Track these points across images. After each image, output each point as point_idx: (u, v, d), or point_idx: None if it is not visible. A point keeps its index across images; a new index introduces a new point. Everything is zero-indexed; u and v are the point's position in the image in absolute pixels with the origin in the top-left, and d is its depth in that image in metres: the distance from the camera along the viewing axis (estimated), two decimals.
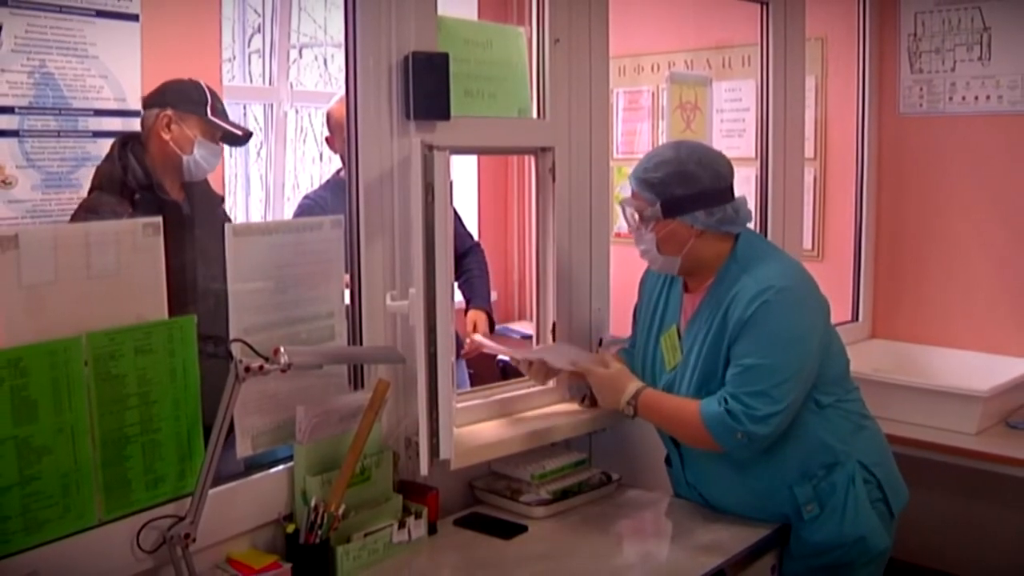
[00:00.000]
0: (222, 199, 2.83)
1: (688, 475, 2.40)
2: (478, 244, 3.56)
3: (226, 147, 2.69)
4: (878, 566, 2.32)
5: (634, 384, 2.29)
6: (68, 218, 3.09)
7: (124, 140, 2.56)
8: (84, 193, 3.10)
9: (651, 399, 2.27)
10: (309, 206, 3.18)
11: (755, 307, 2.14)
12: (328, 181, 3.27)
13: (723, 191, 2.25)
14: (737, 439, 2.13)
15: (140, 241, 1.82)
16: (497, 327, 4.38)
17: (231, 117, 2.71)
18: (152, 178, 2.48)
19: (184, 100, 2.55)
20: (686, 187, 2.21)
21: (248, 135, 2.75)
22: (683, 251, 2.25)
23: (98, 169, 2.58)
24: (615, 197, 4.20)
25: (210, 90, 2.59)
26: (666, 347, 2.36)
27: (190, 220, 2.52)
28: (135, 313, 1.80)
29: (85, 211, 2.48)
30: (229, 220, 2.82)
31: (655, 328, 2.41)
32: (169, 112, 2.51)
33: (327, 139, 3.19)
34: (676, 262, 2.28)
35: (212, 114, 2.54)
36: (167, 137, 2.50)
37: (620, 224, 4.21)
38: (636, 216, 2.28)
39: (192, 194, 2.59)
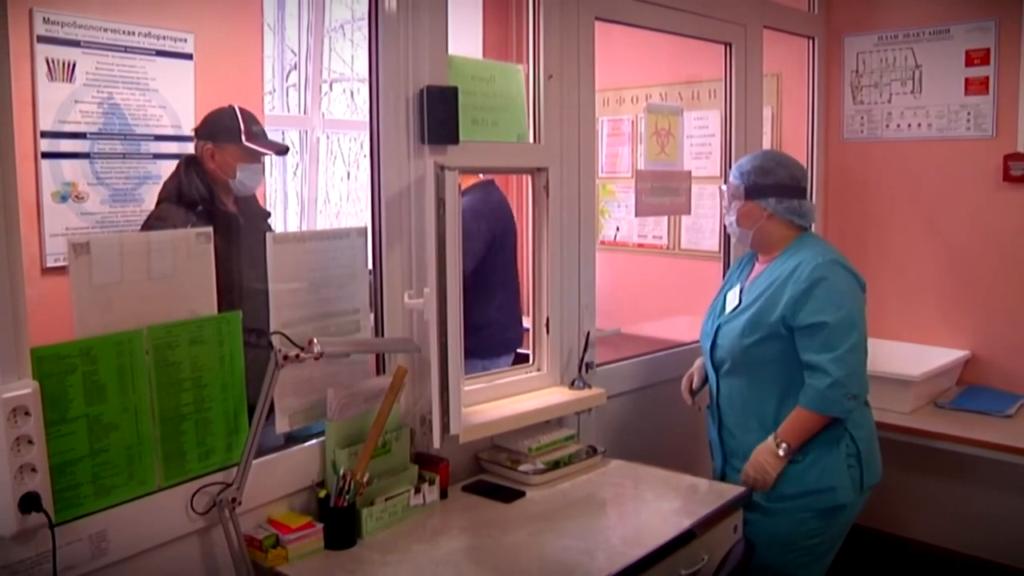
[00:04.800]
0: (268, 214, 2.80)
1: (721, 399, 2.53)
2: None
3: (269, 167, 2.64)
4: (839, 524, 2.39)
5: (770, 438, 2.35)
6: (132, 228, 3.10)
7: (188, 160, 2.52)
8: (146, 207, 3.12)
9: (786, 433, 2.33)
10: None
11: (817, 273, 2.30)
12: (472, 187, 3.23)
13: (793, 188, 2.45)
14: (847, 403, 2.27)
15: (193, 248, 1.82)
16: None
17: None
18: (211, 192, 2.45)
19: (221, 131, 2.48)
20: (764, 178, 2.44)
21: (285, 149, 2.69)
22: (755, 227, 2.45)
23: (165, 184, 2.54)
24: (601, 211, 4.21)
25: (244, 115, 2.51)
26: (729, 298, 2.53)
27: (241, 229, 2.50)
28: (189, 309, 1.81)
29: (155, 219, 2.45)
30: (272, 231, 2.80)
31: (726, 287, 2.61)
32: (210, 145, 2.47)
33: None
34: (749, 235, 2.48)
35: (247, 139, 2.47)
36: (212, 166, 2.47)
37: (604, 233, 4.22)
38: (728, 194, 2.51)
39: (243, 207, 2.56)
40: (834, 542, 2.42)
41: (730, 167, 3.23)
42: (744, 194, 2.45)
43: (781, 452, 2.32)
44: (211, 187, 2.47)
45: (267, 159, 2.63)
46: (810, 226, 2.50)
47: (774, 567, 2.36)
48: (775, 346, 2.36)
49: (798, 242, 2.45)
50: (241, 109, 2.52)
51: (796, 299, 2.30)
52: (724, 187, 2.56)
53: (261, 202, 2.94)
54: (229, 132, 2.47)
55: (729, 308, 2.51)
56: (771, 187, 2.43)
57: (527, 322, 2.82)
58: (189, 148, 3.23)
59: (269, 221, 2.77)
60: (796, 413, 2.32)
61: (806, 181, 2.51)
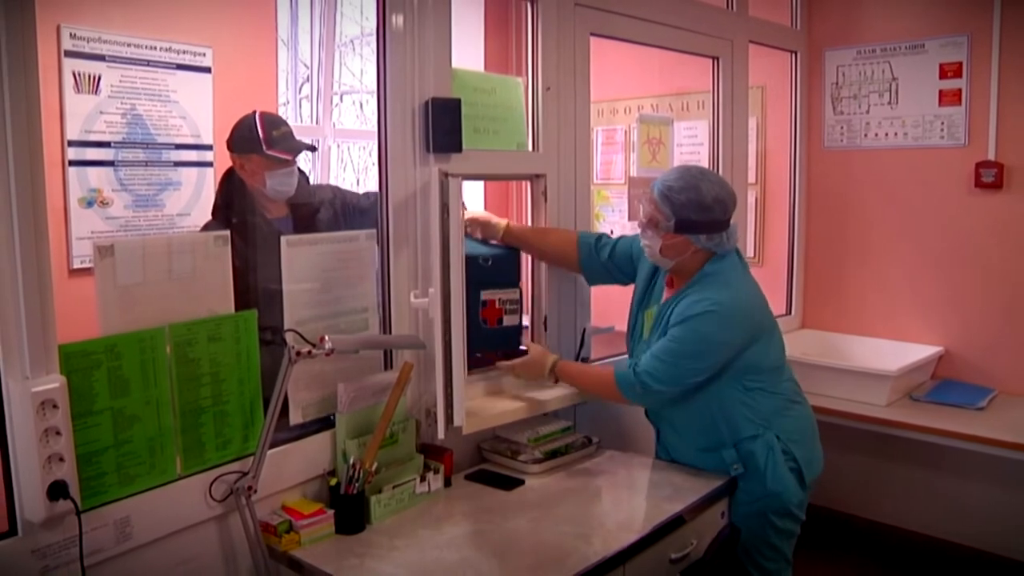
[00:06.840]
0: (317, 209, 2.53)
1: (662, 437, 2.44)
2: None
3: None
4: (793, 519, 2.28)
5: (550, 358, 2.36)
6: (155, 231, 3.10)
7: (226, 173, 2.42)
8: (167, 212, 3.12)
9: (566, 368, 2.36)
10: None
11: (695, 309, 2.15)
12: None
13: (725, 222, 2.22)
14: (635, 391, 2.22)
15: (211, 250, 1.82)
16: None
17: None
18: (243, 201, 2.38)
19: (242, 142, 2.38)
20: (700, 215, 2.18)
21: (311, 148, 2.54)
22: (679, 258, 2.24)
23: (215, 198, 2.49)
24: (596, 215, 4.20)
25: (264, 121, 2.39)
26: (647, 321, 2.37)
27: (281, 235, 2.24)
28: (207, 308, 1.81)
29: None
30: (342, 206, 2.58)
31: (643, 303, 2.41)
32: (237, 157, 2.39)
33: None
34: (669, 263, 2.27)
35: (267, 147, 2.35)
36: (244, 176, 2.40)
37: None
38: (649, 219, 2.23)
39: (296, 208, 2.47)
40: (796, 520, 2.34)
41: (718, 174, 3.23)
42: (674, 227, 2.18)
43: (550, 381, 2.36)
44: (247, 196, 2.38)
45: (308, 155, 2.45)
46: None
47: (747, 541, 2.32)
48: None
49: (706, 273, 2.23)
50: (262, 115, 2.41)
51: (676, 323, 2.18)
52: (642, 204, 2.26)
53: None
54: (249, 142, 2.37)
55: (647, 332, 2.34)
56: (705, 224, 2.18)
57: (526, 320, 2.82)
58: (208, 156, 3.25)
59: (327, 204, 2.54)
60: (600, 369, 2.35)
61: (735, 207, 2.27)
